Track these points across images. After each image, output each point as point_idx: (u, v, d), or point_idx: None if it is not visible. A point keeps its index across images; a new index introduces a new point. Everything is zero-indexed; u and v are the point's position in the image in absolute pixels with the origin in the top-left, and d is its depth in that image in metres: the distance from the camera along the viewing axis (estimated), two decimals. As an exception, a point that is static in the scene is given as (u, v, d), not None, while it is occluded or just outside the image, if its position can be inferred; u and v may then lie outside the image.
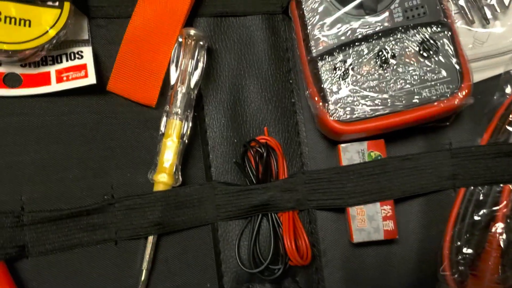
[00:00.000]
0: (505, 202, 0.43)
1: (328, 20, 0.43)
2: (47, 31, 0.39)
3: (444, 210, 0.45)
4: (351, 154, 0.44)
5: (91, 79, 0.41)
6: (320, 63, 0.43)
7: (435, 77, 0.41)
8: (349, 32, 0.43)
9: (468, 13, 0.45)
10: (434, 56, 0.41)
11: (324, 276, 0.46)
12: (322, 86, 0.43)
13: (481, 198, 0.44)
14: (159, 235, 0.43)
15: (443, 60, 0.41)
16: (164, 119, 0.43)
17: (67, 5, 0.40)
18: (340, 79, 0.42)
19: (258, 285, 0.45)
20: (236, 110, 0.47)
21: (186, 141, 0.44)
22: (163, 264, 0.44)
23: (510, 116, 0.43)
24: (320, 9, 0.43)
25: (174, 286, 0.44)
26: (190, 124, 0.44)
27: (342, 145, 0.45)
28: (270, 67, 0.48)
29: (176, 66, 0.44)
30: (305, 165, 0.47)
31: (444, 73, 0.41)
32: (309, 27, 0.43)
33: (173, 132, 0.42)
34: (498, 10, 0.45)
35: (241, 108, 0.47)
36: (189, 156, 0.46)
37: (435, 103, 0.41)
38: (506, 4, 0.45)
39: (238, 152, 0.46)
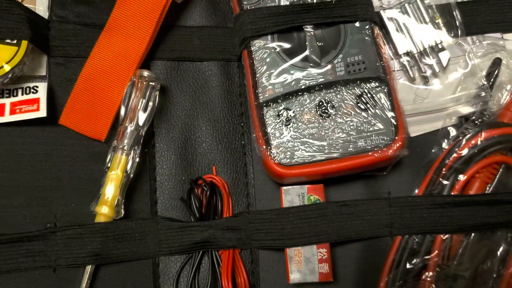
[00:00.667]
0: (436, 252, 0.44)
1: (275, 70, 0.46)
2: (2, 66, 0.41)
3: (380, 256, 0.46)
4: (292, 196, 0.46)
5: (42, 113, 0.43)
6: (265, 109, 0.45)
7: (371, 128, 0.44)
8: (294, 82, 0.45)
9: (410, 71, 0.48)
10: (371, 109, 0.44)
11: (263, 316, 0.47)
12: (266, 130, 0.45)
13: (415, 246, 0.45)
14: (98, 265, 0.44)
15: (379, 113, 0.44)
16: (111, 153, 0.45)
17: (24, 44, 0.42)
18: (283, 125, 0.45)
19: (194, 322, 0.46)
20: (186, 148, 0.49)
21: (131, 175, 0.45)
22: (100, 295, 0.44)
23: (443, 169, 0.45)
24: (269, 59, 0.46)
25: (109, 318, 0.44)
26: (137, 160, 0.45)
27: (284, 187, 0.46)
28: (223, 110, 0.50)
29: (127, 104, 0.46)
30: (251, 205, 0.49)
31: (379, 125, 0.43)
32: (257, 75, 0.46)
33: (118, 166, 0.44)
34: (437, 69, 0.48)
35: (191, 147, 0.49)
36: (135, 190, 0.47)
37: (370, 153, 0.43)
38: (444, 65, 0.48)
39: (185, 189, 0.48)
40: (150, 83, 0.47)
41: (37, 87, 0.44)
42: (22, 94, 0.44)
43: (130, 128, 0.45)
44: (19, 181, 0.44)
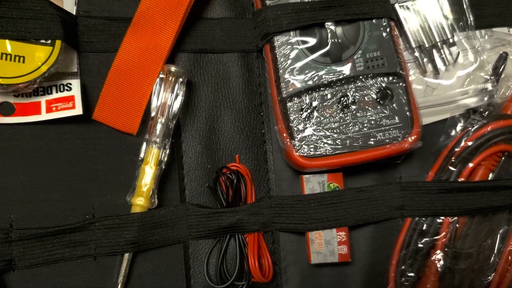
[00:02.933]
0: (444, 233, 0.49)
1: (298, 65, 0.48)
2: (39, 67, 0.42)
3: (392, 236, 0.50)
4: (313, 184, 0.50)
5: (78, 110, 0.45)
6: (288, 104, 0.48)
7: (389, 122, 0.47)
8: (316, 77, 0.48)
9: (422, 63, 0.51)
10: (389, 104, 0.47)
11: (284, 292, 0.51)
12: (289, 124, 0.47)
13: (424, 228, 0.49)
14: (134, 252, 0.47)
15: (396, 108, 0.47)
16: (144, 146, 0.47)
17: (58, 43, 0.43)
18: (306, 119, 0.47)
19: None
20: (211, 138, 0.51)
21: (163, 167, 0.48)
22: (137, 279, 0.48)
23: (452, 158, 0.49)
24: (292, 55, 0.48)
25: (147, 300, 0.48)
26: (168, 152, 0.48)
27: (305, 176, 0.50)
28: (244, 100, 0.52)
29: (157, 99, 0.48)
30: (272, 190, 0.52)
31: (397, 119, 0.47)
32: (280, 70, 0.48)
33: (151, 159, 0.47)
34: (447, 62, 0.51)
35: (215, 137, 0.52)
36: (165, 179, 0.50)
37: (388, 146, 0.46)
38: (454, 58, 0.51)
39: (211, 177, 0.51)
40: (179, 78, 0.48)
41: (70, 84, 0.46)
42: (57, 92, 0.45)
43: (161, 121, 0.48)
44: (57, 176, 0.46)
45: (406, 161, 0.52)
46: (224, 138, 0.52)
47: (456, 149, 0.49)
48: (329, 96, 0.47)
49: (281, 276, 0.51)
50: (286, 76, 0.48)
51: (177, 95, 0.48)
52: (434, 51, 0.51)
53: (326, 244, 0.49)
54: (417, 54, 0.51)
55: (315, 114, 0.47)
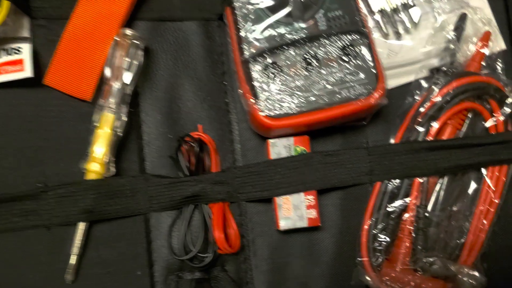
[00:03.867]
0: (415, 194, 0.48)
1: (260, 25, 0.47)
2: (-16, 28, 0.40)
3: (362, 202, 0.49)
4: (279, 148, 0.48)
5: (27, 73, 0.43)
6: (251, 64, 0.46)
7: (353, 78, 0.46)
8: (278, 37, 0.47)
9: (383, 27, 0.51)
10: (353, 60, 0.46)
11: (252, 264, 0.49)
12: (253, 84, 0.46)
13: (394, 190, 0.48)
14: (92, 222, 0.44)
15: (361, 64, 0.46)
16: (98, 112, 0.45)
17: (6, 4, 0.41)
18: (269, 79, 0.46)
19: (188, 273, 0.47)
20: (171, 107, 0.50)
21: (120, 134, 0.45)
22: (94, 251, 0.45)
23: (418, 117, 0.48)
24: (253, 15, 0.47)
25: (105, 272, 0.45)
26: (125, 118, 0.46)
27: (271, 140, 0.48)
28: (205, 69, 0.51)
29: (112, 63, 0.46)
30: (237, 161, 0.50)
31: (362, 75, 0.46)
32: (242, 31, 0.47)
33: (106, 124, 0.44)
34: (409, 25, 0.51)
35: (176, 106, 0.50)
36: (124, 149, 0.48)
37: (354, 102, 0.45)
38: (416, 21, 0.51)
39: (172, 147, 0.49)
40: (134, 41, 0.47)
41: (20, 48, 0.44)
42: (6, 55, 0.43)
43: (115, 86, 0.45)
44: (8, 143, 0.44)
45: (373, 125, 0.51)
46: (185, 108, 0.50)
47: (422, 109, 0.48)
48: (292, 55, 0.46)
49: (249, 248, 0.49)
50: (248, 36, 0.47)
51: (132, 59, 0.46)
52: (395, 14, 0.51)
53: (295, 209, 0.47)
54: (378, 18, 0.51)
55: (279, 73, 0.46)
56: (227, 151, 0.50)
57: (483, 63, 0.50)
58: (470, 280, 0.44)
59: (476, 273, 0.44)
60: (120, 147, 0.47)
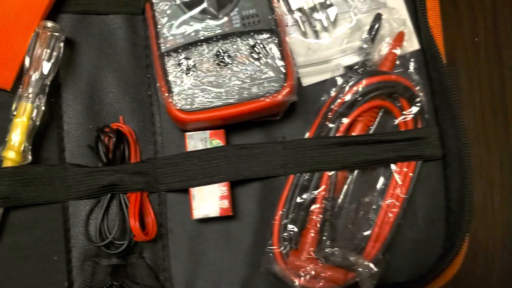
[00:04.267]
0: (323, 186, 0.50)
1: (176, 21, 0.48)
2: None
3: (277, 195, 0.51)
4: (195, 141, 0.50)
5: None
6: (166, 59, 0.48)
7: (263, 76, 0.48)
8: (193, 33, 0.48)
9: (302, 26, 0.53)
10: (263, 58, 0.48)
11: (170, 252, 0.51)
12: (168, 79, 0.48)
13: (305, 183, 0.50)
14: (9, 208, 0.46)
15: (270, 62, 0.48)
16: (16, 101, 0.46)
17: None
18: (183, 73, 0.48)
19: (105, 259, 0.49)
20: (93, 98, 0.51)
21: (37, 123, 0.47)
22: (10, 237, 0.46)
23: (329, 114, 0.50)
24: (169, 11, 0.49)
25: (21, 257, 0.47)
26: (43, 108, 0.47)
27: (188, 133, 0.50)
28: (129, 62, 0.52)
29: (31, 54, 0.47)
30: (158, 152, 0.52)
31: (270, 73, 0.48)
32: (159, 26, 0.49)
33: (24, 113, 0.46)
34: (326, 24, 0.53)
35: (98, 97, 0.51)
36: (45, 139, 0.49)
37: (262, 99, 0.47)
38: (332, 19, 0.53)
39: (93, 138, 0.50)
40: (54, 33, 0.48)
41: None
42: None
43: (34, 77, 0.47)
44: None
45: (291, 121, 0.53)
46: (108, 99, 0.51)
47: (333, 106, 0.50)
48: (206, 51, 0.48)
49: (168, 236, 0.51)
50: (164, 32, 0.48)
51: (52, 51, 0.48)
52: (314, 13, 0.53)
53: (208, 199, 0.49)
54: (297, 16, 0.53)
55: (192, 68, 0.48)
56: (149, 143, 0.52)
57: (398, 63, 0.53)
58: (366, 270, 0.46)
59: (371, 265, 0.46)
60: (41, 136, 0.48)
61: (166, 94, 0.48)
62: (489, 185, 0.67)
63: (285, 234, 0.50)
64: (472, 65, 0.70)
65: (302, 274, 0.48)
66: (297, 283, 0.48)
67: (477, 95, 0.70)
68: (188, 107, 0.47)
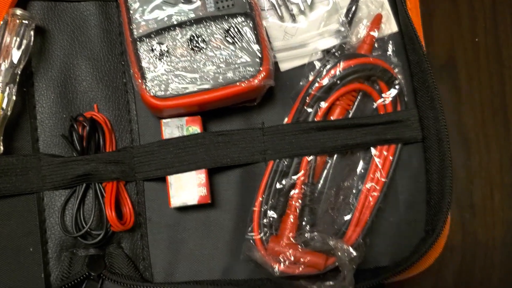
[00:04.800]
0: (302, 172, 0.49)
1: (148, 7, 0.47)
2: None
3: (258, 181, 0.50)
4: (172, 128, 0.49)
5: None
6: (139, 44, 0.47)
7: (238, 61, 0.47)
8: (166, 18, 0.47)
9: (278, 9, 0.52)
10: (238, 42, 0.47)
11: (149, 241, 0.50)
12: (141, 65, 0.47)
13: (285, 169, 0.50)
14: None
15: (245, 46, 0.47)
16: (-15, 91, 0.45)
17: None
18: (157, 59, 0.47)
19: (82, 250, 0.49)
20: (66, 87, 0.50)
21: (8, 113, 0.46)
22: (-16, 228, 0.46)
23: (307, 98, 0.50)
24: (141, -5, 0.48)
25: (-5, 249, 0.46)
26: (14, 98, 0.46)
27: (164, 120, 0.49)
28: (103, 49, 0.51)
29: (0, 42, 0.46)
30: (135, 140, 0.51)
31: (246, 57, 0.47)
32: (131, 12, 0.47)
33: (-7, 103, 0.45)
34: (302, 7, 0.52)
35: (71, 86, 0.50)
36: (18, 129, 0.48)
37: (238, 83, 0.47)
38: (309, 3, 0.52)
39: (66, 127, 0.49)
40: (24, 21, 0.47)
41: None
42: None
43: (4, 65, 0.46)
44: None
45: (270, 106, 0.52)
46: (81, 87, 0.51)
47: (311, 90, 0.50)
48: (179, 36, 0.47)
49: (146, 225, 0.50)
50: (137, 17, 0.47)
51: (22, 39, 0.47)
52: (290, -4, 0.52)
53: (186, 187, 0.48)
54: (273, 0, 0.52)
55: (166, 54, 0.47)
56: (124, 131, 0.51)
57: (376, 45, 0.52)
58: (345, 254, 0.46)
59: (351, 249, 0.46)
60: (14, 126, 0.48)
61: (140, 81, 0.47)
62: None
63: (265, 220, 0.49)
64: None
65: (282, 260, 0.47)
66: (277, 269, 0.47)
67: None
68: (162, 93, 0.46)
